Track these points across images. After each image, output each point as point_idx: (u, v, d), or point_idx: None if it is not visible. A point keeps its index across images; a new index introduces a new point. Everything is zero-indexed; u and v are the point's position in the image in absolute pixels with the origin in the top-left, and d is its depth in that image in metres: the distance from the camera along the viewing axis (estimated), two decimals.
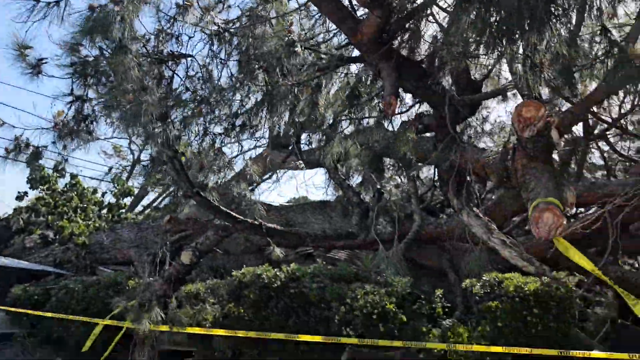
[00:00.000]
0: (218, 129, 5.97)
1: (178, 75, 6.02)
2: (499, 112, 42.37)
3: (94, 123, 6.16)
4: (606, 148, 10.82)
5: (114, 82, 4.76)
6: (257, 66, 5.10)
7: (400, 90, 4.93)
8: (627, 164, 10.67)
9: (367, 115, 5.99)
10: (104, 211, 13.50)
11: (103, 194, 14.36)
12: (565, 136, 7.93)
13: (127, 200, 14.66)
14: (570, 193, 3.20)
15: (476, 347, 5.77)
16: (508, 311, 6.43)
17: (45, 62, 5.38)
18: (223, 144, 6.03)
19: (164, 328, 7.13)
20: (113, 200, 13.72)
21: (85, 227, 11.47)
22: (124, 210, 13.72)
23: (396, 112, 4.19)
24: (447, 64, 4.55)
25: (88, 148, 6.20)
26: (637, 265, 8.85)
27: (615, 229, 4.78)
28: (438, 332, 6.78)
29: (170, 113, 5.38)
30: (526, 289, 6.51)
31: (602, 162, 11.45)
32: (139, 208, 19.38)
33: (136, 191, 17.13)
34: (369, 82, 5.72)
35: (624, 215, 5.54)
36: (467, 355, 6.41)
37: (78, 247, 10.92)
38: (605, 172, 11.26)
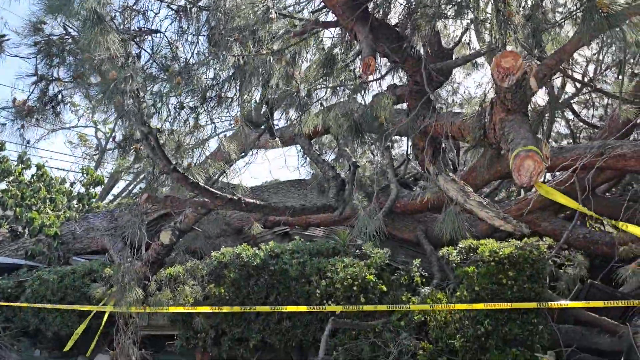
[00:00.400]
0: (192, 103, 5.88)
1: (147, 52, 5.91)
2: (467, 84, 44.86)
3: (61, 105, 5.99)
4: (571, 117, 11.19)
5: (85, 57, 4.62)
6: (232, 39, 5.03)
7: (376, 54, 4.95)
8: (591, 131, 11.05)
9: (343, 83, 5.99)
10: (74, 201, 13.22)
11: (72, 184, 14.06)
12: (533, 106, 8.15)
13: (97, 190, 14.35)
14: (546, 147, 3.29)
15: (458, 306, 5.93)
16: (484, 275, 6.60)
17: (7, 39, 5.20)
18: (198, 120, 5.94)
19: (147, 309, 7.09)
20: (82, 190, 13.45)
21: (56, 218, 11.21)
22: (94, 200, 13.46)
23: (374, 74, 4.21)
24: (420, 27, 4.60)
25: (54, 135, 6.05)
26: (603, 228, 9.19)
27: (588, 185, 4.96)
28: (418, 299, 6.93)
29: (142, 90, 5.27)
30: (501, 253, 6.70)
31: (567, 131, 11.83)
32: (109, 197, 19.04)
33: (106, 180, 16.81)
34: (343, 50, 5.73)
35: (591, 178, 5.75)
36: (447, 320, 6.60)
37: (50, 239, 10.69)
38: (570, 141, 11.64)
